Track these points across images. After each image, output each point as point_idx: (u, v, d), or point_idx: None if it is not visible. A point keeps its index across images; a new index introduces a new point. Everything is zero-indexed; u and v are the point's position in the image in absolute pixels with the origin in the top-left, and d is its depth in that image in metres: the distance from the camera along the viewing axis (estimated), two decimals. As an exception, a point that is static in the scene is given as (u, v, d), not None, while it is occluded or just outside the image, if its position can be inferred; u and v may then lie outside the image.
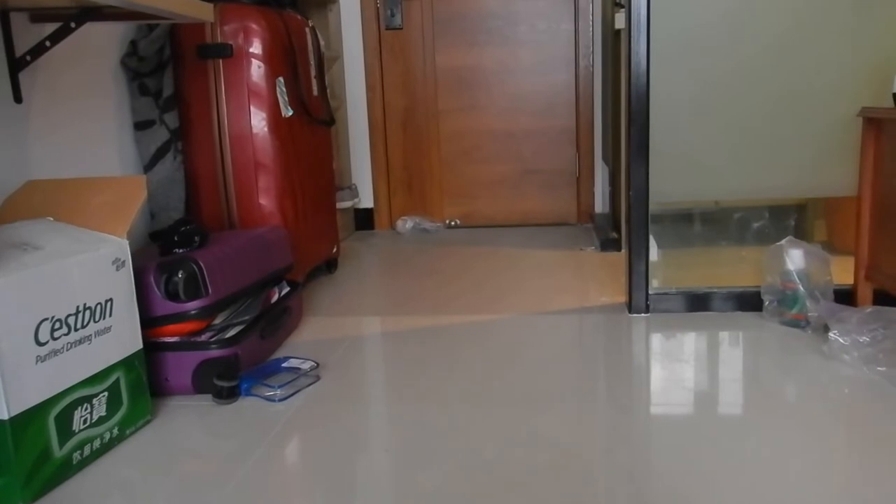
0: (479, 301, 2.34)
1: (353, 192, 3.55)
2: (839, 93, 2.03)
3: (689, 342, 1.90)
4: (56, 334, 1.26)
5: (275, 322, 1.90)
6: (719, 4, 2.02)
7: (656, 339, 1.93)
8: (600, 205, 3.61)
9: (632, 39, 2.00)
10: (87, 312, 1.33)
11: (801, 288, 1.92)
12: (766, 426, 1.40)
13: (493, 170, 3.66)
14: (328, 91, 2.66)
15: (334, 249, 2.75)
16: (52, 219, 1.46)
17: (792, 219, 2.86)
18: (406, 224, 3.60)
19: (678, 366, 1.73)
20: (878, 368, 1.61)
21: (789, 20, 2.02)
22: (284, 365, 1.74)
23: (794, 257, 1.95)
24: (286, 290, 2.02)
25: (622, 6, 2.09)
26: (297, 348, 1.94)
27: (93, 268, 1.36)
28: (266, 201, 2.21)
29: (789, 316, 1.95)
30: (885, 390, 1.53)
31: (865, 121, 1.94)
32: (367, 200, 3.69)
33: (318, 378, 1.72)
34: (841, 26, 2.01)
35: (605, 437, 1.38)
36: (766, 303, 2.02)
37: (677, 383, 1.63)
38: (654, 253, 2.19)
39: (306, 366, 1.73)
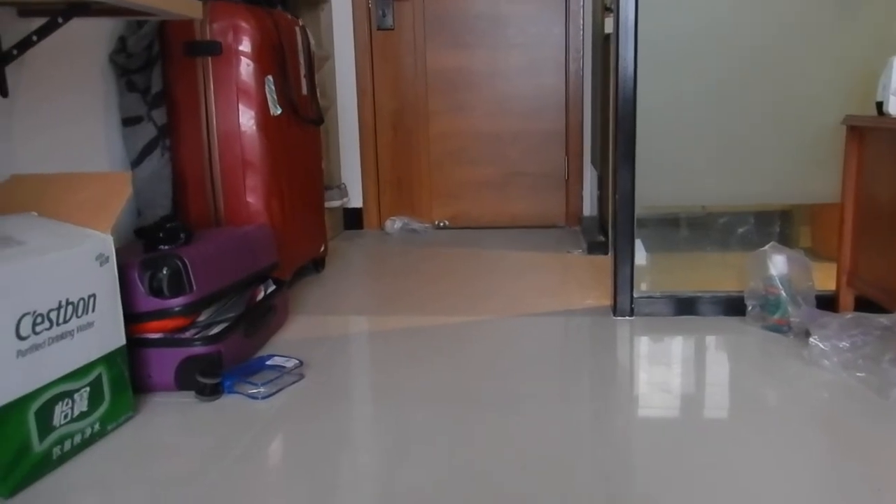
0: (465, 302, 2.35)
1: (342, 192, 3.56)
2: (824, 101, 2.05)
3: (672, 346, 1.91)
4: (37, 329, 1.26)
5: (259, 320, 1.90)
6: (707, 12, 2.04)
7: (639, 343, 1.94)
8: (588, 208, 3.63)
9: (619, 44, 2.01)
10: (70, 307, 1.33)
11: (784, 293, 1.94)
12: (745, 431, 1.41)
13: (483, 171, 3.67)
14: (317, 90, 2.66)
15: (322, 248, 2.76)
16: (36, 214, 1.46)
17: (777, 225, 2.89)
18: (394, 224, 3.61)
19: (660, 369, 1.74)
20: (857, 374, 1.62)
21: (776, 29, 2.04)
22: (268, 363, 1.74)
23: (777, 263, 1.97)
24: (272, 288, 2.02)
25: (611, 10, 2.10)
26: (282, 346, 1.94)
27: (76, 263, 1.35)
28: (253, 199, 2.21)
29: (771, 321, 1.97)
30: (864, 395, 1.54)
31: (849, 129, 1.95)
32: (356, 200, 3.69)
33: (301, 376, 1.72)
34: (826, 36, 2.03)
35: (585, 439, 1.39)
36: (749, 307, 2.04)
37: (658, 386, 1.64)
38: (640, 256, 2.21)
39: (290, 364, 1.73)
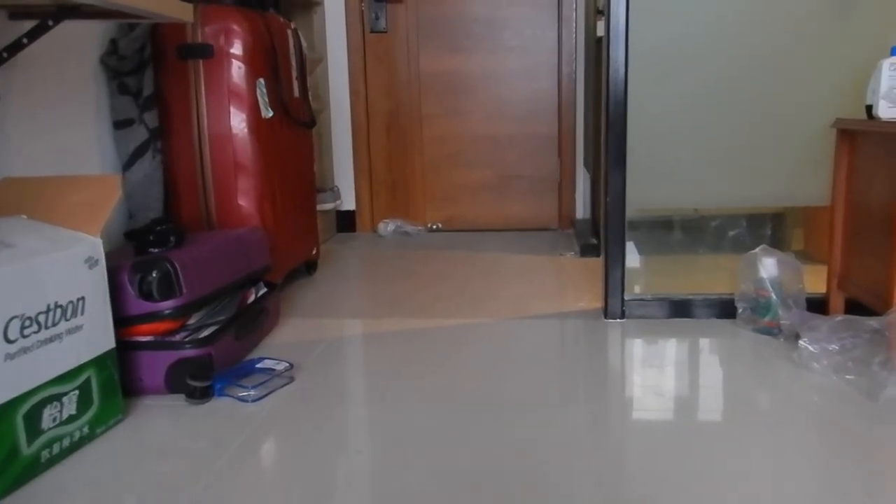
0: (459, 305, 2.35)
1: (335, 195, 3.55)
2: (816, 104, 2.06)
3: (662, 348, 1.92)
4: (26, 332, 1.26)
5: (250, 323, 1.90)
6: (699, 16, 2.04)
7: (629, 345, 1.94)
8: (581, 210, 3.63)
9: (610, 47, 2.01)
10: (59, 311, 1.33)
11: (774, 296, 1.95)
12: (735, 433, 1.42)
13: (476, 174, 3.67)
14: (310, 93, 2.66)
15: (314, 251, 2.75)
16: (25, 217, 1.46)
17: (769, 227, 2.90)
18: (388, 227, 3.61)
19: (650, 372, 1.74)
20: (847, 377, 1.63)
21: (767, 32, 2.04)
22: (259, 366, 1.74)
23: (768, 265, 1.97)
24: (263, 291, 2.02)
25: (603, 14, 2.10)
26: (274, 349, 1.94)
27: (65, 266, 1.35)
28: (245, 202, 2.20)
29: (762, 323, 1.97)
30: (853, 398, 1.55)
31: (839, 132, 1.96)
32: (349, 203, 3.69)
33: (292, 379, 1.72)
34: (820, 39, 2.04)
35: (576, 442, 1.39)
36: (740, 310, 2.04)
37: (648, 389, 1.64)
38: (632, 259, 2.21)
39: (281, 367, 1.73)
